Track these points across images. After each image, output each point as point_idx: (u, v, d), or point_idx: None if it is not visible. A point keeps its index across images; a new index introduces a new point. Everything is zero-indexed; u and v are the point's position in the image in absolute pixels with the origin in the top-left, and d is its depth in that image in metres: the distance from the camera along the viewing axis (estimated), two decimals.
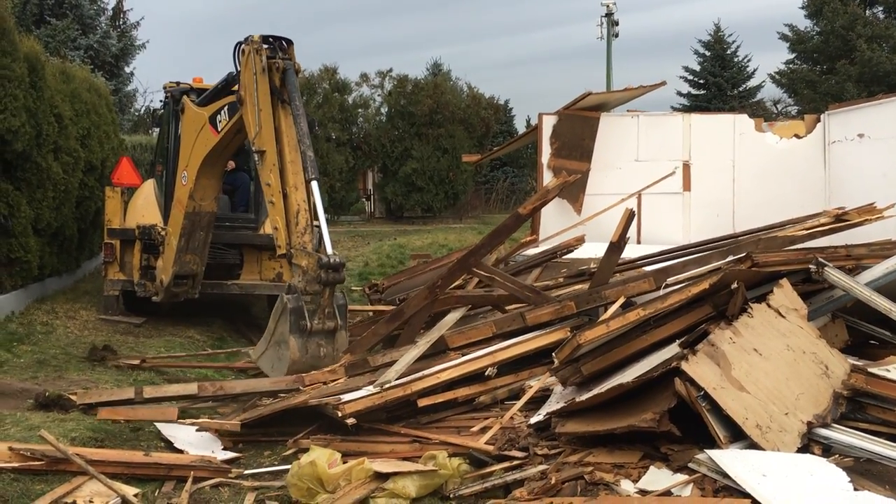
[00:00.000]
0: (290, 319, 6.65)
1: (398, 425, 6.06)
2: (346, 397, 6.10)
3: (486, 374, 6.31)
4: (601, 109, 11.18)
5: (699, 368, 4.63)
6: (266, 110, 7.34)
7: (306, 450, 5.58)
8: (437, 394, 6.21)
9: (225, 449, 5.94)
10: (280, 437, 6.24)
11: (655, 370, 4.87)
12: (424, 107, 26.12)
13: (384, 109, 27.77)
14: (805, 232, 7.37)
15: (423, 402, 6.14)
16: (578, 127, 10.77)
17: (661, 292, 5.98)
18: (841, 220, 7.48)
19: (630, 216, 6.40)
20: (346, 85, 26.96)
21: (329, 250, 6.81)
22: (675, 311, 5.33)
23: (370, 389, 6.33)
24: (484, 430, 5.70)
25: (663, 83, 11.62)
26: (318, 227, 7.04)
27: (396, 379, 6.06)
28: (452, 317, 7.08)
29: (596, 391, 5.14)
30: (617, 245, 6.58)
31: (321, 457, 5.19)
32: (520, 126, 41.79)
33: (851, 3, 32.15)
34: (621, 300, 6.20)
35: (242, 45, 7.58)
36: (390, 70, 27.65)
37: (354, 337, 7.57)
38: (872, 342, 5.95)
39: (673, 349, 5.06)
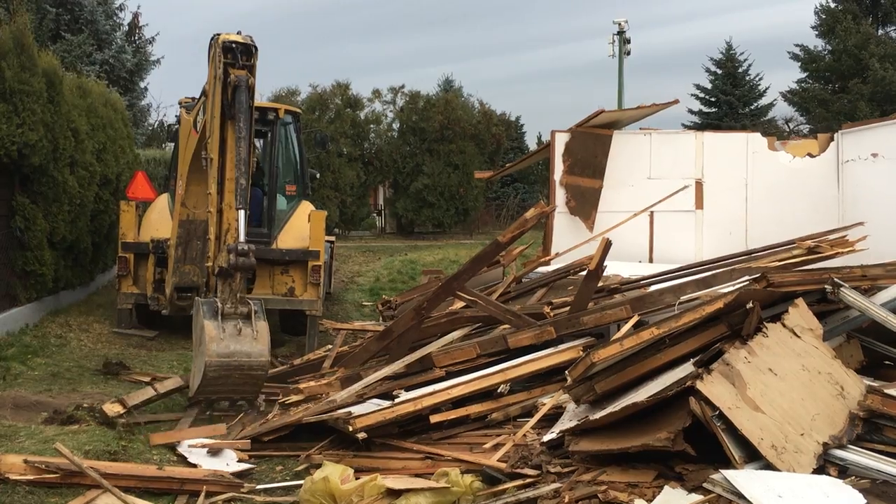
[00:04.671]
0: (203, 309, 6.67)
1: (410, 441, 6.06)
2: (356, 411, 6.13)
3: (498, 390, 6.31)
4: (614, 127, 11.19)
5: (714, 388, 4.61)
6: (217, 119, 7.24)
7: (318, 465, 5.59)
8: (449, 410, 6.22)
9: (240, 461, 5.95)
10: (292, 452, 6.26)
11: (670, 389, 4.86)
12: (435, 123, 26.27)
13: (396, 125, 27.96)
14: (778, 263, 7.36)
15: (435, 419, 6.14)
16: (591, 144, 10.79)
17: (676, 311, 5.98)
18: (814, 253, 7.50)
19: (607, 245, 6.44)
20: (358, 101, 27.16)
21: (241, 238, 6.80)
22: (690, 329, 5.31)
23: (380, 403, 6.38)
24: (496, 447, 5.68)
25: (676, 101, 11.63)
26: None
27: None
28: (452, 336, 7.14)
29: (610, 409, 5.13)
30: (594, 272, 6.62)
31: (334, 472, 5.20)
32: (531, 142, 41.90)
33: (864, 23, 32.20)
34: (634, 319, 6.20)
35: (211, 40, 7.45)
36: (402, 86, 27.85)
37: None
38: (888, 363, 5.92)
39: (687, 368, 5.04)
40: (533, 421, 5.85)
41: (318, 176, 14.66)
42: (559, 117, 72.17)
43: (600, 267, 6.44)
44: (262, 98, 20.37)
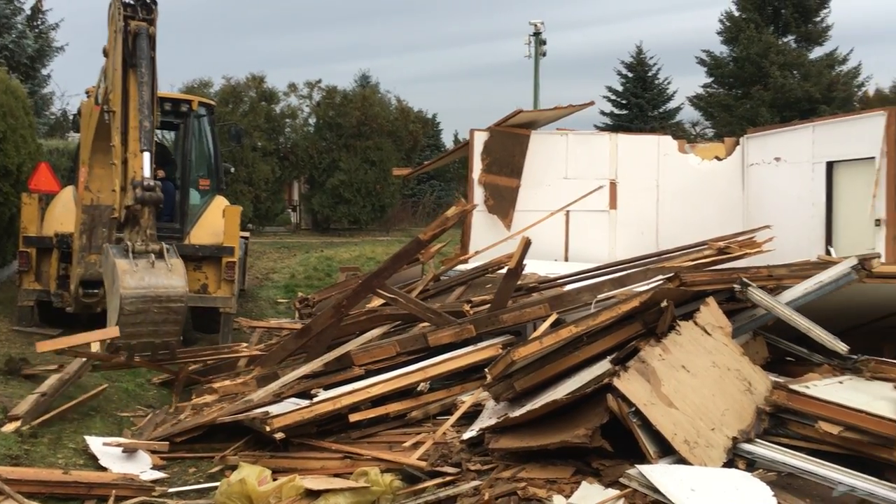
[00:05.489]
0: (112, 252, 6.61)
1: (328, 440, 5.99)
2: (274, 411, 6.02)
3: (418, 389, 6.30)
4: (531, 127, 11.35)
5: (630, 385, 4.72)
6: (118, 71, 7.25)
7: (234, 466, 5.46)
8: (369, 409, 6.18)
9: (155, 467, 5.77)
10: (205, 454, 6.10)
11: (588, 386, 4.95)
12: (353, 119, 26.07)
13: (312, 120, 27.59)
14: (690, 263, 7.63)
15: (354, 417, 6.09)
16: (509, 144, 10.90)
17: (593, 309, 6.10)
18: (724, 253, 7.80)
19: (527, 244, 6.54)
20: (273, 94, 26.68)
21: (146, 174, 6.81)
22: (607, 328, 5.42)
23: (299, 403, 6.28)
24: (416, 445, 5.67)
25: (592, 103, 11.91)
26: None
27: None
28: (372, 334, 7.11)
29: (529, 407, 5.19)
30: (514, 271, 6.71)
31: (251, 474, 5.09)
32: (447, 140, 42.12)
33: (765, 32, 33.57)
34: (553, 318, 6.29)
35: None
36: (319, 81, 27.51)
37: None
38: (789, 359, 6.18)
39: (604, 365, 5.14)
40: (453, 419, 5.87)
41: (232, 170, 14.34)
42: (475, 116, 72.71)
43: (520, 265, 6.51)
44: (172, 90, 19.80)
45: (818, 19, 34.25)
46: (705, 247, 7.71)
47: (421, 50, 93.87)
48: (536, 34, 30.58)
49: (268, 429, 5.71)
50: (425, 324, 7.14)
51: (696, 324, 5.34)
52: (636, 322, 5.42)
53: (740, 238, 7.96)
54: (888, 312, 6.68)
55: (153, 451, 5.99)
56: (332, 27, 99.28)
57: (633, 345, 5.17)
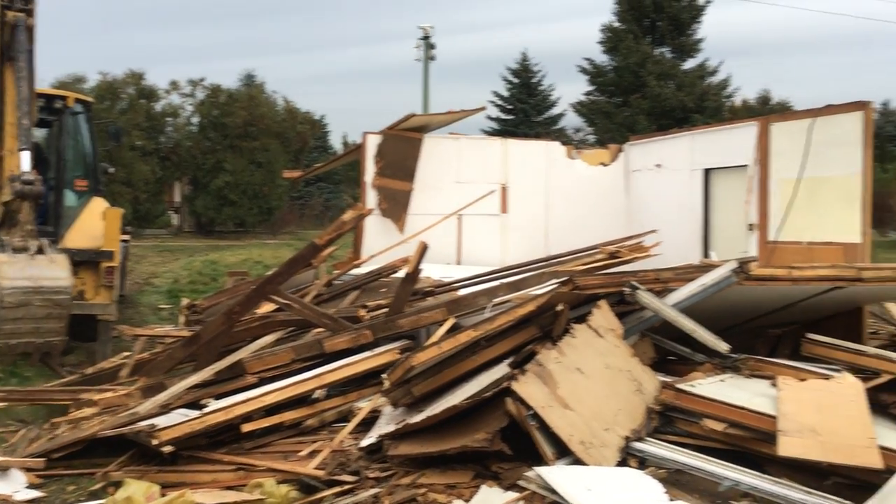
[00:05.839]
0: None
1: (220, 452, 5.79)
2: (161, 423, 5.77)
3: (313, 396, 6.18)
4: (424, 131, 11.38)
5: (529, 388, 4.79)
6: None
7: (118, 482, 5.20)
8: (262, 418, 6.01)
9: (30, 486, 5.41)
10: (86, 470, 5.77)
11: (487, 390, 4.99)
12: (238, 118, 25.40)
13: (195, 119, 26.68)
14: (583, 267, 7.86)
15: (246, 428, 5.91)
16: (402, 147, 10.89)
17: (489, 314, 6.16)
18: (615, 257, 8.09)
19: (424, 249, 6.57)
20: (154, 92, 25.66)
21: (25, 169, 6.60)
22: (504, 331, 5.48)
23: (188, 414, 6.05)
24: (313, 454, 5.56)
25: (483, 108, 12.07)
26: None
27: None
28: (265, 340, 6.94)
29: (429, 413, 5.18)
30: (411, 276, 6.72)
31: (137, 490, 4.87)
32: (336, 142, 41.72)
33: (643, 43, 34.96)
34: (450, 322, 6.32)
35: None
36: (203, 79, 26.64)
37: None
38: (671, 358, 6.43)
39: (502, 369, 5.20)
40: (350, 426, 5.79)
41: (111, 170, 13.64)
42: (365, 118, 72.29)
43: (417, 270, 6.50)
44: (42, 85, 18.70)
45: (691, 32, 35.93)
46: (597, 251, 7.93)
47: (308, 50, 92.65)
48: (426, 38, 30.71)
49: (155, 442, 5.47)
50: (320, 329, 7.02)
51: (589, 326, 5.48)
52: (532, 325, 5.52)
53: (629, 242, 8.23)
54: (761, 313, 7.07)
55: (27, 469, 5.62)
56: (216, 23, 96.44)
57: (530, 348, 5.26)
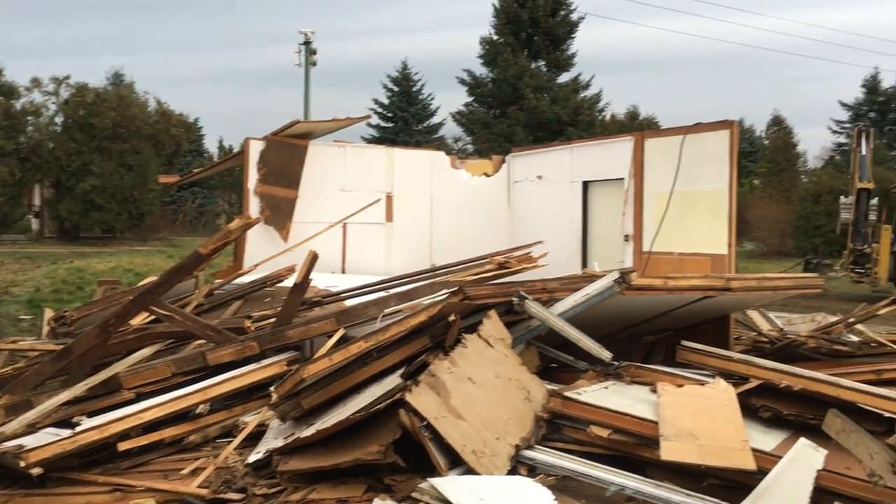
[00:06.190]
0: None
1: (94, 472, 5.47)
2: (29, 443, 5.41)
3: (197, 411, 5.95)
4: (308, 137, 11.21)
5: (422, 399, 4.79)
6: None
7: None
8: (140, 435, 5.73)
9: None
10: None
11: (379, 402, 4.95)
12: (107, 119, 24.27)
13: (59, 119, 25.28)
14: (473, 277, 7.99)
15: (123, 446, 5.62)
16: (286, 154, 10.69)
17: (380, 324, 6.12)
18: (504, 268, 8.26)
19: (313, 259, 6.48)
20: (13, 89, 24.15)
21: None
22: (395, 342, 5.46)
23: (59, 433, 5.69)
24: (196, 472, 5.35)
25: (368, 116, 12.10)
26: None
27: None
28: (142, 353, 6.64)
29: (319, 426, 5.09)
30: (300, 286, 6.62)
31: None
32: (211, 146, 40.50)
33: (520, 56, 35.85)
34: (340, 333, 6.23)
35: None
36: (67, 77, 25.33)
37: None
38: (553, 365, 6.60)
39: (394, 380, 5.17)
40: (236, 442, 5.61)
41: None
42: (242, 122, 70.61)
43: (306, 280, 6.38)
44: None
45: (565, 47, 37.15)
46: (486, 261, 8.03)
47: (180, 49, 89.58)
48: (307, 43, 30.31)
49: (22, 464, 5.11)
50: (202, 341, 6.77)
51: (480, 336, 5.54)
52: (424, 336, 5.52)
53: (518, 253, 8.38)
54: (638, 321, 7.37)
55: None
56: (80, 18, 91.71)
57: (422, 359, 5.25)
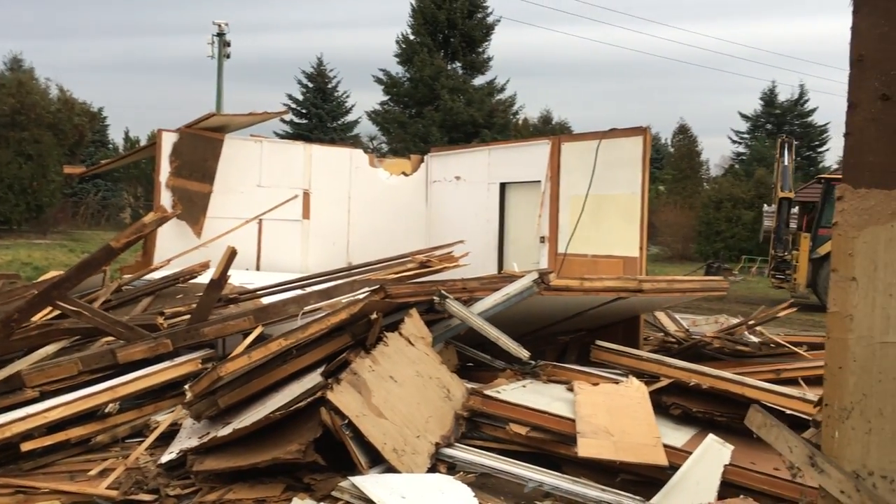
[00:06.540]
0: None
1: None
2: None
3: (106, 410, 5.75)
4: (223, 131, 10.96)
5: (343, 397, 4.76)
6: None
7: None
8: (45, 435, 5.49)
9: None
10: None
11: (300, 400, 4.90)
12: (6, 106, 23.13)
13: None
14: (394, 276, 8.01)
15: (26, 446, 5.37)
16: (201, 147, 10.42)
17: (300, 322, 6.05)
18: (425, 267, 8.31)
19: (232, 254, 6.38)
20: None
21: None
22: (316, 340, 5.42)
23: None
24: (104, 473, 5.17)
25: (287, 111, 11.94)
26: None
27: None
28: (46, 350, 6.37)
29: (238, 425, 5.00)
30: (217, 282, 6.50)
31: None
32: (116, 136, 39.10)
33: (437, 57, 36.03)
34: (258, 330, 6.12)
35: None
36: None
37: None
38: (469, 364, 6.67)
39: (315, 378, 5.14)
40: (148, 441, 5.44)
41: None
42: (151, 113, 68.40)
43: (224, 276, 6.25)
44: None
45: (481, 50, 37.56)
46: (408, 260, 8.03)
47: (86, 36, 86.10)
48: (220, 35, 29.60)
49: None
50: (110, 338, 6.54)
51: (401, 335, 5.54)
52: (345, 334, 5.49)
53: (439, 253, 8.41)
54: (553, 321, 7.52)
55: None
56: None
57: (343, 357, 5.23)
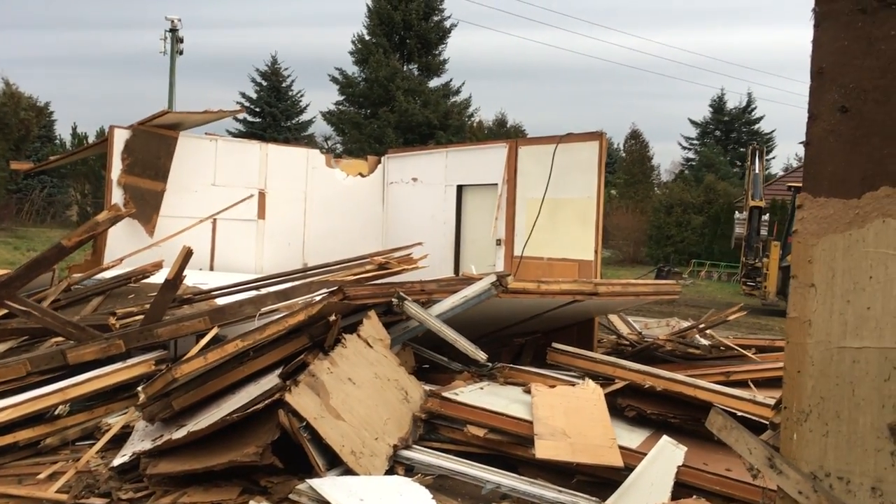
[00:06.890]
0: None
1: None
2: None
3: (55, 412, 5.62)
4: (177, 129, 10.79)
5: (301, 399, 4.73)
6: None
7: None
8: None
9: None
10: None
11: (257, 402, 4.85)
12: None
13: None
14: (353, 277, 7.98)
15: None
16: (154, 145, 10.24)
17: (257, 323, 5.98)
18: (384, 269, 8.29)
19: (188, 254, 6.29)
20: None
21: None
22: (273, 341, 5.37)
23: None
24: (54, 476, 5.06)
25: (242, 110, 11.81)
26: None
27: None
28: None
29: (193, 427, 4.92)
30: (172, 282, 6.41)
31: None
32: (64, 131, 38.19)
33: (392, 58, 35.98)
34: (214, 331, 6.04)
35: None
36: None
37: None
38: (425, 366, 6.68)
39: (272, 380, 5.09)
40: (99, 444, 5.34)
41: None
42: (100, 108, 66.91)
43: (180, 276, 6.15)
44: None
45: (437, 52, 37.62)
46: (367, 261, 8.00)
47: (31, 28, 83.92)
48: (173, 30, 29.09)
49: None
50: (59, 339, 6.39)
51: (359, 336, 5.53)
52: (303, 336, 5.45)
53: (398, 254, 8.40)
54: (510, 323, 7.58)
55: None
56: None
57: (301, 359, 5.19)
